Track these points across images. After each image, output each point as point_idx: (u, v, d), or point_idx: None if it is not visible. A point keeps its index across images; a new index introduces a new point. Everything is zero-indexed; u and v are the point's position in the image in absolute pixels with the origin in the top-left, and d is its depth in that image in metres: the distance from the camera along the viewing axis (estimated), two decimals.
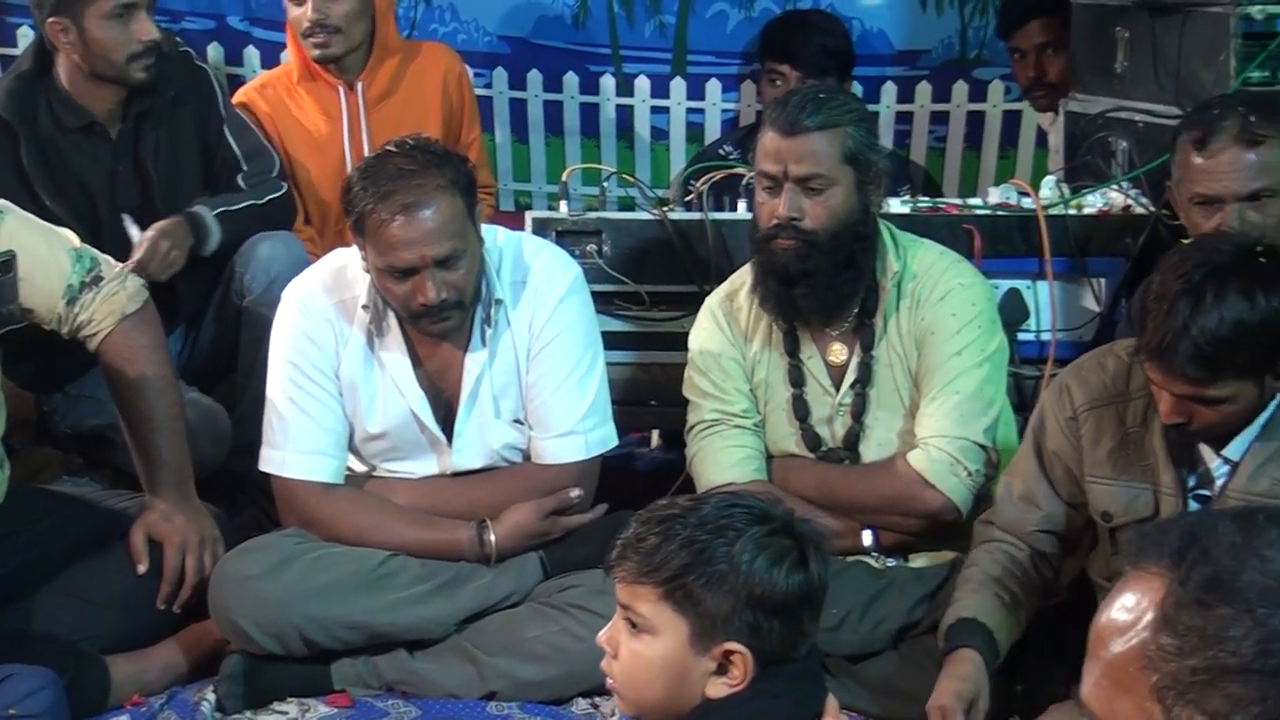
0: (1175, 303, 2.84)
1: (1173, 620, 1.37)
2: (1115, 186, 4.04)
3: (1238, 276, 2.83)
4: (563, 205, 4.13)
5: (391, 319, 3.52)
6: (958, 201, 4.16)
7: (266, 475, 3.59)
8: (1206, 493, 3.07)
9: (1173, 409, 2.95)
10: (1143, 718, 1.37)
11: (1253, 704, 1.31)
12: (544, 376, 3.54)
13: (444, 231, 3.33)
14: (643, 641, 2.22)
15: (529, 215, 4.15)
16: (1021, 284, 3.99)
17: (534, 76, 5.37)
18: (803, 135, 3.40)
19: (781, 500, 2.35)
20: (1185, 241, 3.16)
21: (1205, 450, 3.06)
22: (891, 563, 3.54)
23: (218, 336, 4.30)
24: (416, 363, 3.55)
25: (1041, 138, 5.35)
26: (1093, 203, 4.04)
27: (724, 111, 5.36)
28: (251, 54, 5.30)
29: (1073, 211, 4.01)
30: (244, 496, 4.06)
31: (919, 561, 3.55)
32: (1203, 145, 3.42)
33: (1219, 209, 3.40)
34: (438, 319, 3.40)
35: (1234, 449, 3.03)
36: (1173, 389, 2.92)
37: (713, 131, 5.38)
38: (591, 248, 4.04)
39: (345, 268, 3.55)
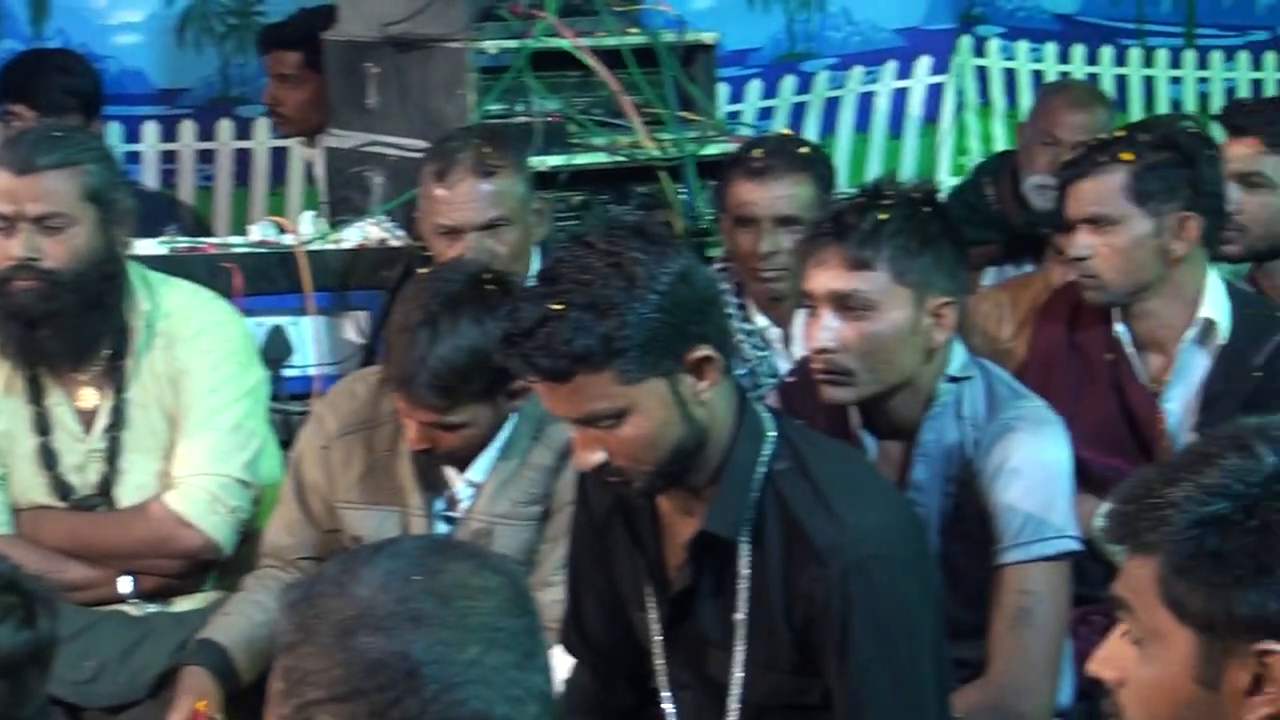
0: (415, 333, 2.95)
1: (277, 668, 1.41)
2: (372, 220, 4.11)
3: (470, 304, 2.97)
4: None
5: None
6: (217, 240, 4.15)
7: None
8: (455, 515, 3.17)
9: (419, 436, 3.04)
10: None
11: None
12: None
13: None
14: None
15: None
16: (285, 320, 3.99)
17: None
18: (38, 174, 3.30)
19: (6, 555, 2.26)
20: (421, 272, 3.26)
21: (451, 473, 3.16)
22: (152, 608, 3.45)
23: None
24: None
25: (311, 172, 5.40)
26: (351, 237, 4.08)
27: None
28: None
29: (332, 246, 4.05)
30: None
31: (182, 605, 3.48)
32: (442, 177, 3.55)
33: (460, 239, 3.53)
34: None
35: (477, 471, 3.14)
36: (417, 417, 3.01)
37: None
38: None
39: None
